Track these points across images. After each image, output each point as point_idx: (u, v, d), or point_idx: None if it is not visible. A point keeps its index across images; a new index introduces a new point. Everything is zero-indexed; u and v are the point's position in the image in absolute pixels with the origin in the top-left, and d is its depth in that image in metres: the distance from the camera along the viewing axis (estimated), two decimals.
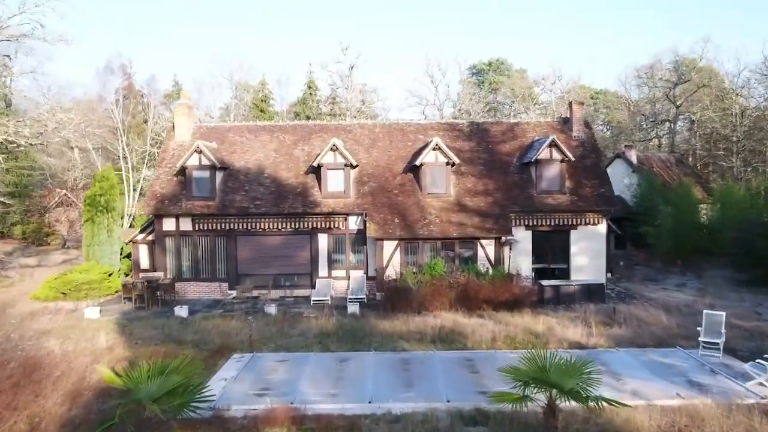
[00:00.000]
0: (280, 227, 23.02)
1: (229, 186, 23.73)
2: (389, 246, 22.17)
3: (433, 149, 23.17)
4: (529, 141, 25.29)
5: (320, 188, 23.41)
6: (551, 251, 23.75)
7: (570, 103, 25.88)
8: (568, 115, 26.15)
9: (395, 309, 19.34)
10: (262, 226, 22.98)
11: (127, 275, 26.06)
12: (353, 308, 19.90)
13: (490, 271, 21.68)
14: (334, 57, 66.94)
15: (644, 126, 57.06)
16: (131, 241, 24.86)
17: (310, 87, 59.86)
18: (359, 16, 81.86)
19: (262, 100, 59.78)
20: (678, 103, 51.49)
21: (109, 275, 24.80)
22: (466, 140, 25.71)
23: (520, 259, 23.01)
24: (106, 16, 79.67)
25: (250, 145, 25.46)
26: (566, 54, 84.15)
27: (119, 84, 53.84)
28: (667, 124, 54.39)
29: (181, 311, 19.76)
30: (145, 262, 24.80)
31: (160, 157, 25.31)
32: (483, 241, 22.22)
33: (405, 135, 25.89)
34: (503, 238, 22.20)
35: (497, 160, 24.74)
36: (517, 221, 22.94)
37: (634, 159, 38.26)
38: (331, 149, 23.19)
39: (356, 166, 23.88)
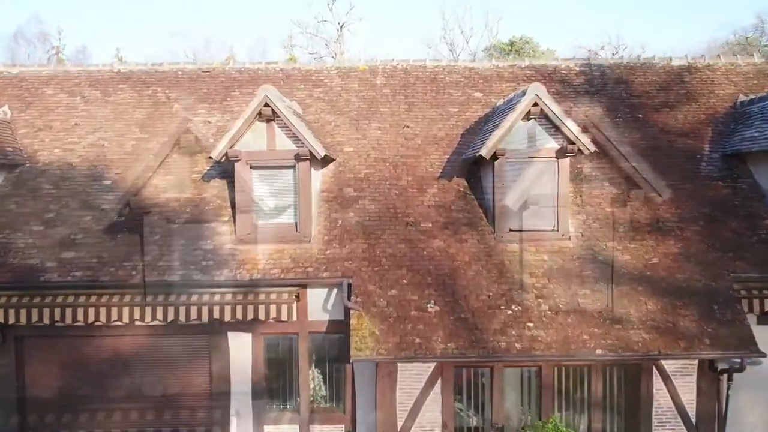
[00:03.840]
0: (132, 318, 8.83)
1: (9, 210, 9.56)
2: (413, 376, 8.14)
3: (525, 118, 9.00)
4: (729, 101, 11.14)
5: (234, 216, 9.26)
6: None
7: None
8: None
9: None
10: (87, 317, 8.79)
11: None
12: None
13: None
14: (319, 15, 48.85)
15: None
16: None
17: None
18: None
19: None
20: None
21: None
22: (585, 101, 11.45)
23: (750, 405, 8.92)
24: None
25: (87, 112, 11.26)
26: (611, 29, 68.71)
27: (40, 60, 40.44)
28: None
29: None
30: None
31: None
32: (667, 365, 8.17)
33: (442, 91, 11.67)
34: (717, 363, 8.12)
35: (665, 145, 10.53)
36: (746, 303, 8.80)
37: None
38: (260, 117, 9.00)
39: (330, 159, 9.77)
